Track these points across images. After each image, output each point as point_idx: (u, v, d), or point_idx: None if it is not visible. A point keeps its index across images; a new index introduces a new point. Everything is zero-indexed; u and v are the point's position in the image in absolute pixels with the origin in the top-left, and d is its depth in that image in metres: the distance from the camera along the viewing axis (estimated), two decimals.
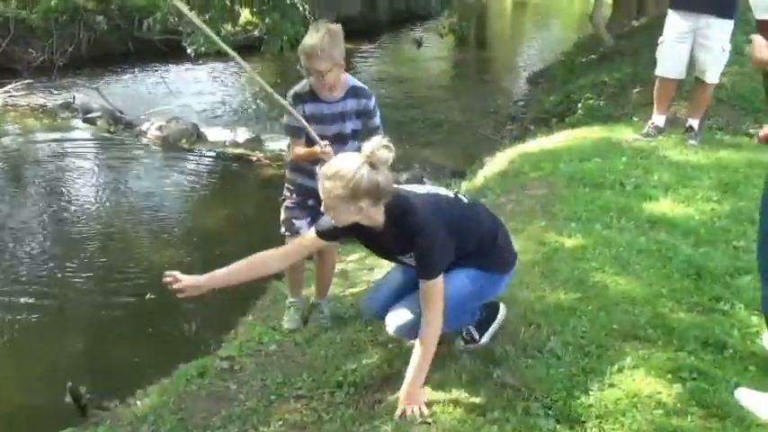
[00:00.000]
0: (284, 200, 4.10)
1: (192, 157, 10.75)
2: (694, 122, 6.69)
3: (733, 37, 6.39)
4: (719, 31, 6.27)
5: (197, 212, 8.86)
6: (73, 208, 8.66)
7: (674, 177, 5.63)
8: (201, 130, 11.72)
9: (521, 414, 2.85)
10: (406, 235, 2.87)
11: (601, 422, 2.80)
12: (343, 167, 2.75)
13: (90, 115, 12.40)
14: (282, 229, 4.07)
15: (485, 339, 3.38)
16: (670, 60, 6.52)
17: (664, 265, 4.18)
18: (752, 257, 3.39)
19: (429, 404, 2.93)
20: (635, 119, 7.82)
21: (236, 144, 11.14)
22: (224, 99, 14.45)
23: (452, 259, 2.99)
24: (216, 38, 3.76)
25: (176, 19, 12.79)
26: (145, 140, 11.40)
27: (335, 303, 4.50)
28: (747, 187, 5.38)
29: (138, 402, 3.89)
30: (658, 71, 6.68)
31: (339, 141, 3.77)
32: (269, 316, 4.79)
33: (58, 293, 6.53)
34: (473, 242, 3.07)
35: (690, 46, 6.38)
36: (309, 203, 3.94)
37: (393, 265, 3.39)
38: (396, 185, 2.95)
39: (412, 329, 3.02)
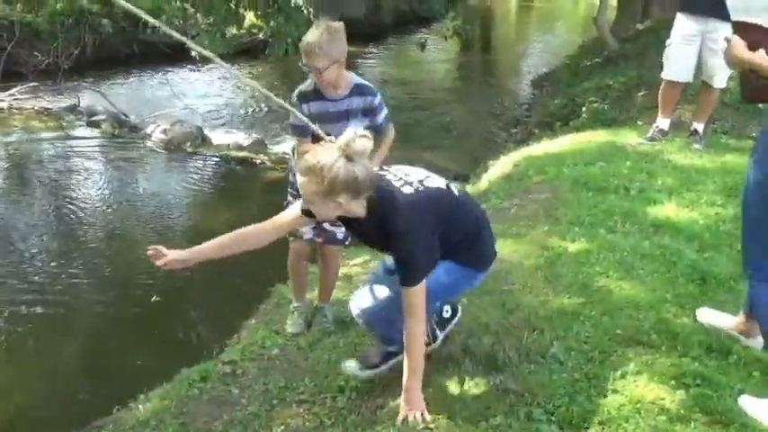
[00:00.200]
0: (288, 204, 4.09)
1: (196, 161, 10.76)
2: (699, 126, 6.66)
3: None
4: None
5: (201, 215, 8.87)
6: (77, 210, 8.66)
7: (679, 181, 5.61)
8: (206, 133, 11.73)
9: (523, 420, 2.84)
10: (386, 236, 2.79)
11: (603, 428, 2.79)
12: (318, 162, 2.62)
13: (95, 118, 12.42)
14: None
15: (439, 341, 3.39)
16: (677, 63, 6.46)
17: (668, 269, 4.17)
18: None
19: (430, 410, 2.92)
20: (639, 123, 7.80)
21: (240, 147, 11.14)
22: (228, 102, 14.47)
23: (437, 263, 2.91)
24: (190, 42, 3.65)
25: (181, 22, 12.81)
26: (149, 143, 11.41)
27: (339, 307, 4.47)
28: None
29: (140, 406, 3.88)
30: (665, 74, 6.63)
31: None
32: (272, 320, 4.77)
33: (61, 296, 6.55)
34: (459, 234, 2.98)
35: (697, 49, 6.32)
36: None
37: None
38: (382, 172, 2.89)
39: (378, 317, 3.04)
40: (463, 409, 2.94)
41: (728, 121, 7.54)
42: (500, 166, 7.29)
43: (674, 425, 2.79)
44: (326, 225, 3.93)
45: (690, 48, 6.34)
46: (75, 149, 11.23)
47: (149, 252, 2.90)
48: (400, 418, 2.90)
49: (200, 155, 10.95)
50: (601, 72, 12.26)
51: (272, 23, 11.72)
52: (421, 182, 2.89)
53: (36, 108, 13.02)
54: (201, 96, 14.54)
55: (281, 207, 4.17)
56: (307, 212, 2.91)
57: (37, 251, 7.50)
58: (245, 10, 13.18)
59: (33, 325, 6.02)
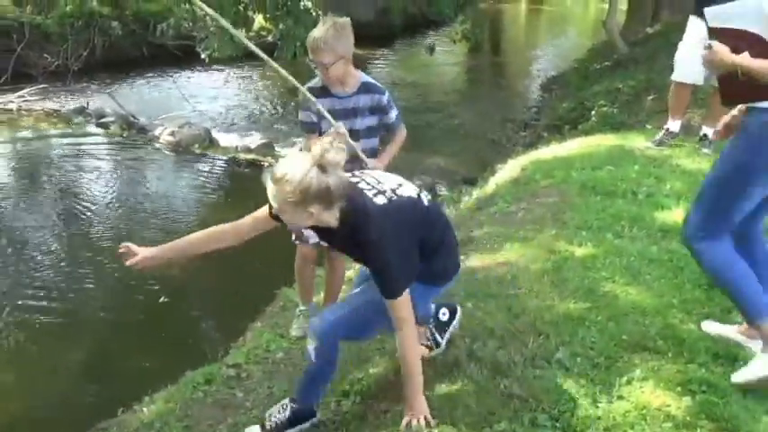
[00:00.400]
0: None
1: (204, 163, 10.79)
2: (709, 131, 6.62)
3: None
4: None
5: (208, 217, 8.85)
6: (85, 212, 8.69)
7: (687, 186, 5.57)
8: (214, 135, 11.77)
9: (527, 425, 2.83)
10: (360, 246, 2.73)
11: None
12: (290, 171, 2.54)
13: (103, 120, 12.49)
14: (293, 237, 4.06)
15: (443, 345, 3.38)
16: (687, 65, 6.39)
17: (675, 275, 4.14)
18: None
19: (434, 414, 2.90)
20: (648, 126, 7.78)
21: (248, 149, 11.16)
22: (236, 104, 14.50)
23: (417, 272, 2.85)
24: (240, 35, 3.71)
25: (190, 24, 12.84)
26: (157, 145, 11.45)
27: None
28: None
29: (145, 409, 3.88)
30: (675, 76, 6.59)
31: (351, 137, 3.77)
32: (277, 323, 4.77)
33: (67, 297, 6.57)
34: (425, 246, 2.90)
35: None
36: None
37: None
38: (355, 179, 2.82)
39: (328, 333, 2.94)
40: (467, 415, 2.92)
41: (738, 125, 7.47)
42: (508, 170, 7.28)
43: (679, 431, 2.76)
44: None
45: (701, 50, 6.29)
46: (84, 151, 11.27)
47: (120, 250, 2.88)
48: (404, 423, 2.88)
49: (208, 157, 10.98)
50: (610, 75, 12.23)
51: (280, 26, 11.74)
52: (394, 190, 2.83)
53: (45, 110, 13.09)
54: (210, 99, 14.60)
55: None
56: (275, 217, 2.82)
57: (44, 251, 7.52)
58: (255, 13, 13.22)
59: (39, 326, 6.05)
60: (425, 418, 2.86)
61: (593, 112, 9.94)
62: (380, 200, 2.74)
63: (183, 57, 15.94)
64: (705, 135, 6.63)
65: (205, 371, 4.16)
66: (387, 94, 3.92)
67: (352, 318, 2.97)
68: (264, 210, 2.87)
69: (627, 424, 2.80)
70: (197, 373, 4.15)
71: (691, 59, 6.37)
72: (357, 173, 2.93)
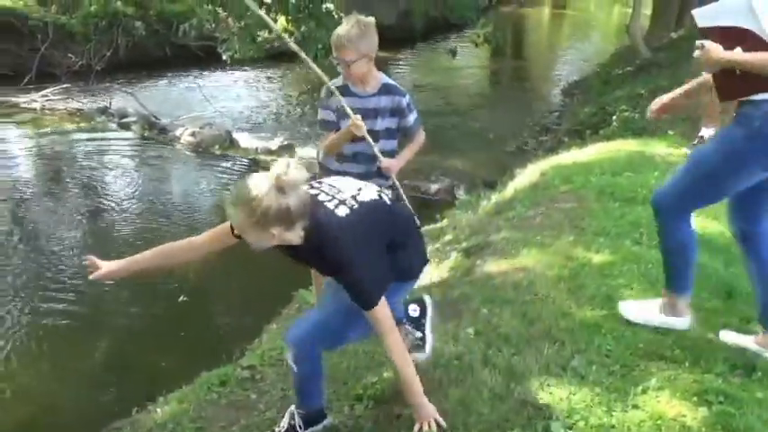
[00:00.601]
0: None
1: (224, 163, 10.84)
2: (707, 132, 6.57)
3: None
4: None
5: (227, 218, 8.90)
6: (106, 210, 8.77)
7: None
8: (234, 136, 11.83)
9: None
10: (329, 265, 2.68)
11: None
12: (248, 193, 2.47)
13: (125, 119, 12.59)
14: None
15: (429, 341, 3.32)
16: None
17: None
18: None
19: (445, 417, 2.88)
20: (670, 132, 7.72)
21: (268, 151, 11.21)
22: (257, 106, 14.56)
23: (391, 278, 2.79)
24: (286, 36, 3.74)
25: (212, 25, 12.90)
26: (178, 145, 11.53)
27: None
28: None
29: (159, 409, 3.88)
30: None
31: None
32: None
33: (88, 294, 6.63)
34: (393, 244, 2.85)
35: None
36: None
37: None
38: (314, 191, 2.73)
39: (303, 340, 2.91)
40: (480, 421, 2.90)
41: None
42: (527, 175, 7.25)
43: None
44: None
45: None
46: (106, 150, 11.37)
47: (86, 262, 2.91)
48: (416, 429, 2.86)
49: (229, 158, 11.05)
50: (632, 80, 12.17)
51: (302, 28, 11.76)
52: (354, 197, 2.75)
53: (68, 109, 13.22)
54: (231, 100, 14.68)
55: None
56: (238, 235, 2.74)
57: (65, 248, 7.61)
58: (277, 14, 13.25)
59: (59, 323, 6.11)
60: (436, 422, 2.84)
61: (614, 118, 9.89)
62: (342, 211, 2.67)
63: (204, 57, 16.03)
64: (702, 137, 6.58)
65: (220, 372, 4.16)
66: (407, 96, 3.91)
67: (327, 323, 2.94)
68: (225, 226, 2.80)
69: None
70: (212, 374, 4.15)
71: None
72: (315, 183, 2.84)
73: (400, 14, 21.14)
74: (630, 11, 14.90)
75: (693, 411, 2.89)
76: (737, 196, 3.27)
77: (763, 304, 3.35)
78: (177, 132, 11.89)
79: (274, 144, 11.45)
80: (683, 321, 3.52)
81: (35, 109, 13.13)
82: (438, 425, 2.83)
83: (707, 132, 6.55)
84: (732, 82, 2.95)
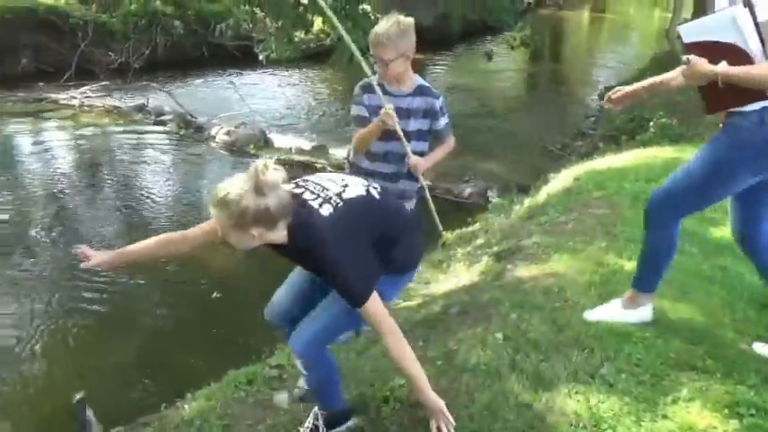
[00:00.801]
0: None
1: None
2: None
3: None
4: None
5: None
6: (141, 207, 8.87)
7: None
8: (269, 135, 11.89)
9: None
10: (315, 264, 2.68)
11: None
12: (227, 195, 2.47)
13: (162, 118, 12.72)
14: None
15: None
16: None
17: (727, 293, 4.04)
18: None
19: (473, 426, 2.86)
20: (707, 139, 7.60)
21: (301, 151, 11.25)
22: (292, 106, 14.62)
23: (381, 271, 2.77)
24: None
25: (250, 25, 12.98)
26: (213, 144, 11.63)
27: None
28: None
29: (186, 406, 3.90)
30: None
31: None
32: None
33: (121, 290, 6.71)
34: (385, 238, 2.83)
35: None
36: None
37: None
38: (299, 189, 2.72)
39: (310, 346, 2.89)
40: (506, 427, 2.89)
41: None
42: (560, 180, 7.19)
43: None
44: None
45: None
46: (142, 147, 11.50)
47: (76, 251, 2.96)
48: (434, 429, 2.83)
49: (263, 157, 11.06)
50: None
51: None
52: (339, 195, 2.73)
53: (106, 106, 13.39)
54: (266, 99, 14.76)
55: None
56: None
57: (99, 243, 7.66)
58: (314, 15, 13.30)
59: (91, 318, 6.19)
60: (445, 414, 2.79)
61: (651, 124, 9.78)
62: (327, 210, 2.65)
63: (241, 57, 16.15)
64: None
65: (248, 370, 4.17)
66: (441, 99, 3.92)
67: (328, 327, 2.93)
68: (213, 223, 2.78)
69: None
70: (240, 373, 4.16)
71: None
72: (300, 182, 2.82)
73: (438, 17, 21.08)
74: (670, 15, 14.72)
75: (724, 423, 2.85)
76: (736, 198, 3.35)
77: None
78: (212, 131, 11.98)
79: (308, 144, 11.50)
80: (643, 312, 3.61)
81: (74, 105, 13.32)
82: (446, 418, 2.80)
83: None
84: (719, 95, 3.00)
